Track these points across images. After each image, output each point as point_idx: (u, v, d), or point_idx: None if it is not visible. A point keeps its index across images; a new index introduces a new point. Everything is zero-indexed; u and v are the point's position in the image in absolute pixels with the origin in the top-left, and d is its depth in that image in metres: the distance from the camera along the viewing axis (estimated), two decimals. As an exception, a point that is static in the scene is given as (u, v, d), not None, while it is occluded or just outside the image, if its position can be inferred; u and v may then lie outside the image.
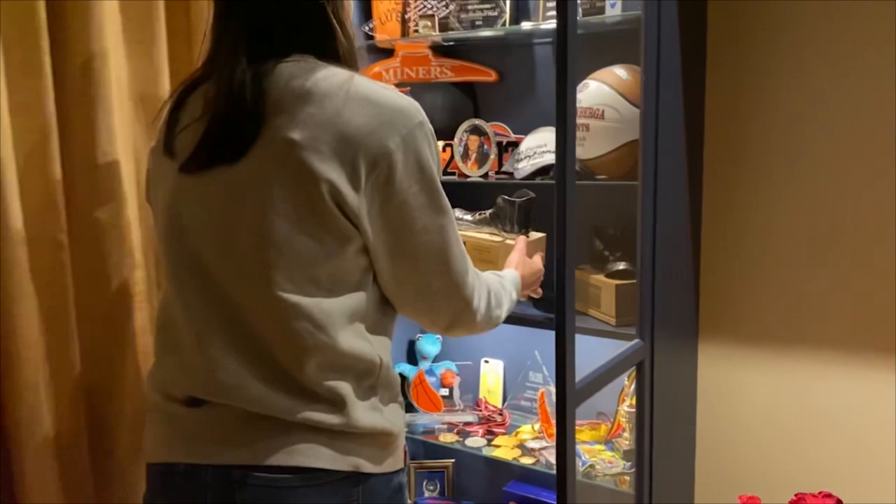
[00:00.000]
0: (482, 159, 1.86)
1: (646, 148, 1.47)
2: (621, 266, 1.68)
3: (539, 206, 1.64)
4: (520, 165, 1.79)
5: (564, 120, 1.08)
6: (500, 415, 2.06)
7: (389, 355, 0.99)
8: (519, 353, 2.08)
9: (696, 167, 1.75)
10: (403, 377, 2.14)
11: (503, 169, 1.86)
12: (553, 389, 1.93)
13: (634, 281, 1.62)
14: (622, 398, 1.88)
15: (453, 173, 1.89)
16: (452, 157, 1.88)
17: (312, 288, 0.89)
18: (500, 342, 2.09)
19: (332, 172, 0.86)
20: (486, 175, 1.87)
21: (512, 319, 1.30)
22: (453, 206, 1.00)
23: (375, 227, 0.90)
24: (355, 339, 0.93)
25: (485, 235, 1.72)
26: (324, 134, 0.86)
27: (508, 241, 1.65)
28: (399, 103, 0.91)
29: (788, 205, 1.67)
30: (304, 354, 0.90)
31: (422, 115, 0.92)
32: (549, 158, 1.73)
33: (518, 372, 2.11)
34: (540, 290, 1.43)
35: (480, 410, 2.09)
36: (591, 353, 1.38)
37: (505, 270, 1.23)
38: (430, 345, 2.21)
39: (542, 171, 1.75)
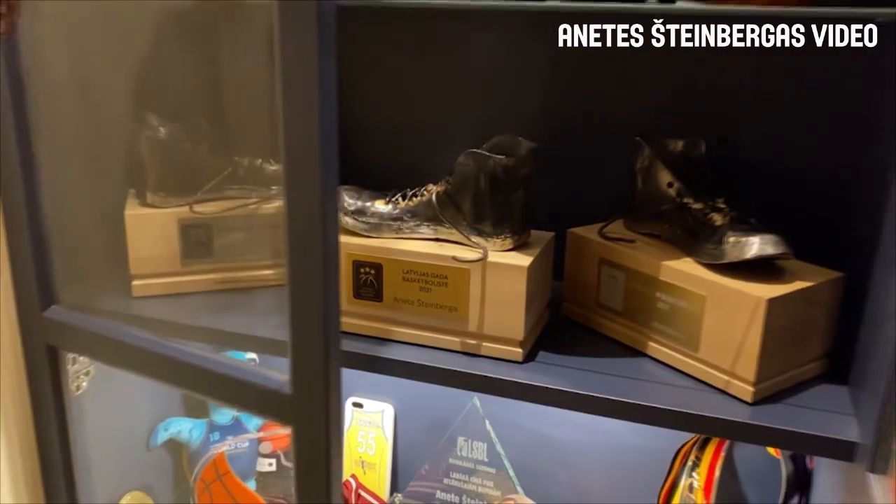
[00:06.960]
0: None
1: None
2: (754, 239, 0.58)
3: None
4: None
5: None
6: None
7: None
8: (432, 392, 0.99)
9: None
10: (188, 453, 1.05)
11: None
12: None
13: (809, 286, 0.58)
14: (667, 490, 0.88)
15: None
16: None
17: None
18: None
19: None
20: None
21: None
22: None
23: None
24: None
25: (430, 246, 0.72)
26: None
27: (495, 258, 0.70)
28: None
29: None
30: None
31: None
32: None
33: (431, 429, 1.04)
34: None
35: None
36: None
37: None
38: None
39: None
